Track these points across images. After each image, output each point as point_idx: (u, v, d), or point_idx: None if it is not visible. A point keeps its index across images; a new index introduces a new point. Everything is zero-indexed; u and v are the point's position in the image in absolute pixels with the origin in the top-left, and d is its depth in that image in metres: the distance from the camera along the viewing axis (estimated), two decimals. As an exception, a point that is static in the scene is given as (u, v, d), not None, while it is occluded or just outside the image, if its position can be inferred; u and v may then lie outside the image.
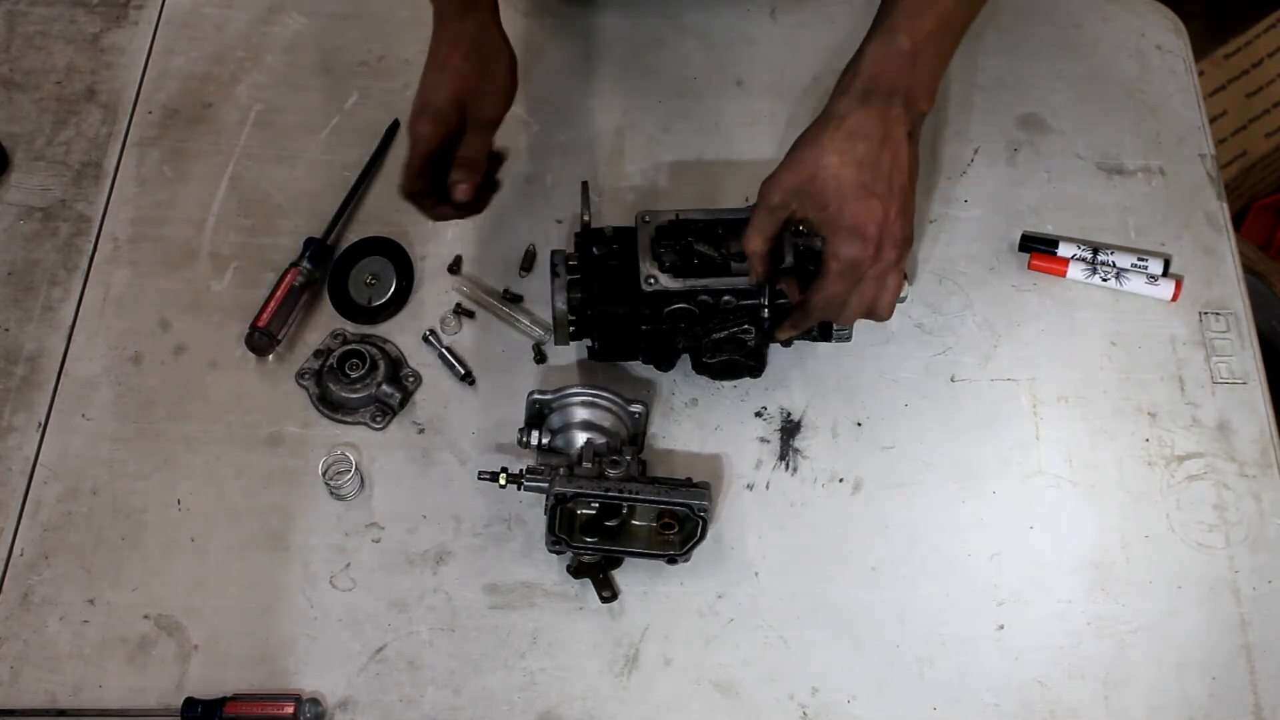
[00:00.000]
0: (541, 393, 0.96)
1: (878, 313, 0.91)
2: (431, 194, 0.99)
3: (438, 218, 1.01)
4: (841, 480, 1.01)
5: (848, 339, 0.99)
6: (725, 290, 0.94)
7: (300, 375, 1.03)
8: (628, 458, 0.92)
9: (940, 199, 1.13)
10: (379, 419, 1.01)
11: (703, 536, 0.92)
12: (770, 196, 0.89)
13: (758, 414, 1.03)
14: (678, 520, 0.93)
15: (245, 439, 1.01)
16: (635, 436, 0.98)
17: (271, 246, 1.09)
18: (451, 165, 0.97)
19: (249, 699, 0.90)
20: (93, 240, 1.09)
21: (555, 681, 0.93)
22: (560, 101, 1.17)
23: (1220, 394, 1.05)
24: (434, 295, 1.08)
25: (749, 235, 0.91)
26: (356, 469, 0.98)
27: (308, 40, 1.20)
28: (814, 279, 0.90)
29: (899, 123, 0.87)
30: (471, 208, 1.00)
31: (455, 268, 1.09)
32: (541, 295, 1.04)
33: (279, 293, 1.04)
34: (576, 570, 0.95)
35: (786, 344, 1.01)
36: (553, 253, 0.98)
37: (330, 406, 1.02)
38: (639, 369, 1.04)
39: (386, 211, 1.11)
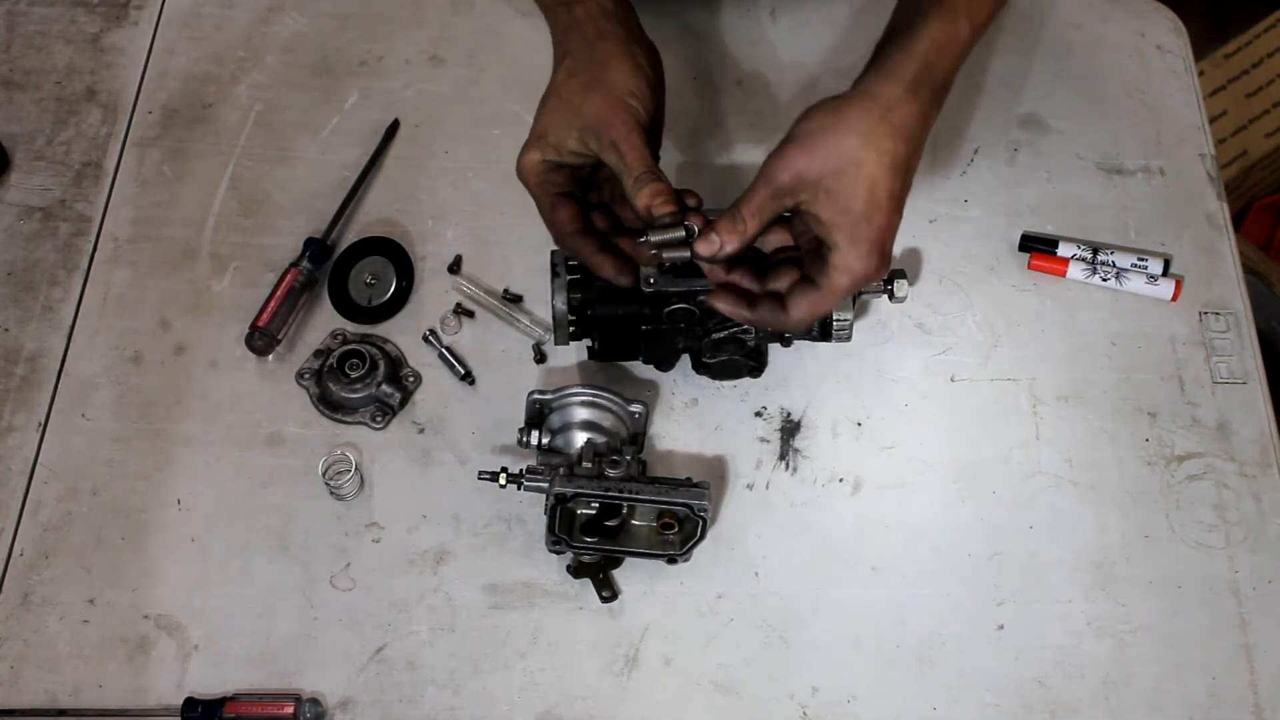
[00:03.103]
0: (541, 393, 0.96)
1: (806, 323, 0.83)
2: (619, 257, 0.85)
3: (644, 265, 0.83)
4: (841, 480, 1.01)
5: (847, 339, 0.99)
6: (725, 290, 0.94)
7: (300, 375, 1.03)
8: (628, 458, 0.92)
9: (940, 199, 1.13)
10: (379, 419, 1.01)
11: (703, 536, 0.92)
12: (779, 175, 0.75)
13: (758, 414, 1.03)
14: (678, 520, 0.92)
15: (245, 439, 1.01)
16: (635, 436, 0.98)
17: (271, 246, 1.09)
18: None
19: (249, 699, 0.90)
20: (93, 240, 1.09)
21: (555, 681, 0.93)
22: (560, 101, 1.17)
23: (1220, 394, 1.05)
24: (434, 295, 1.08)
25: (740, 214, 0.76)
26: (356, 469, 0.98)
27: (308, 40, 1.20)
28: (805, 286, 0.81)
29: (931, 125, 0.77)
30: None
31: (455, 268, 1.09)
32: (541, 295, 1.04)
33: (279, 293, 1.04)
34: (576, 570, 0.95)
35: (786, 344, 1.01)
36: (553, 253, 0.97)
37: (330, 406, 1.02)
38: (639, 369, 1.04)
39: (386, 211, 1.11)
